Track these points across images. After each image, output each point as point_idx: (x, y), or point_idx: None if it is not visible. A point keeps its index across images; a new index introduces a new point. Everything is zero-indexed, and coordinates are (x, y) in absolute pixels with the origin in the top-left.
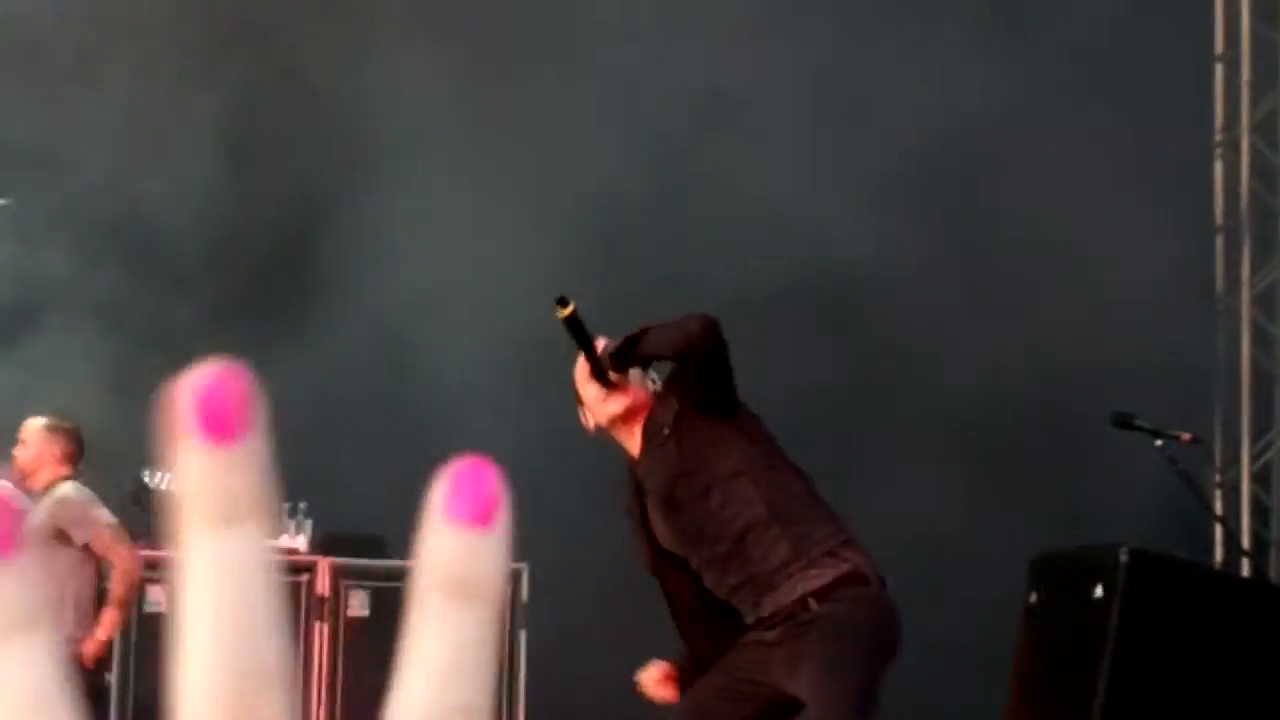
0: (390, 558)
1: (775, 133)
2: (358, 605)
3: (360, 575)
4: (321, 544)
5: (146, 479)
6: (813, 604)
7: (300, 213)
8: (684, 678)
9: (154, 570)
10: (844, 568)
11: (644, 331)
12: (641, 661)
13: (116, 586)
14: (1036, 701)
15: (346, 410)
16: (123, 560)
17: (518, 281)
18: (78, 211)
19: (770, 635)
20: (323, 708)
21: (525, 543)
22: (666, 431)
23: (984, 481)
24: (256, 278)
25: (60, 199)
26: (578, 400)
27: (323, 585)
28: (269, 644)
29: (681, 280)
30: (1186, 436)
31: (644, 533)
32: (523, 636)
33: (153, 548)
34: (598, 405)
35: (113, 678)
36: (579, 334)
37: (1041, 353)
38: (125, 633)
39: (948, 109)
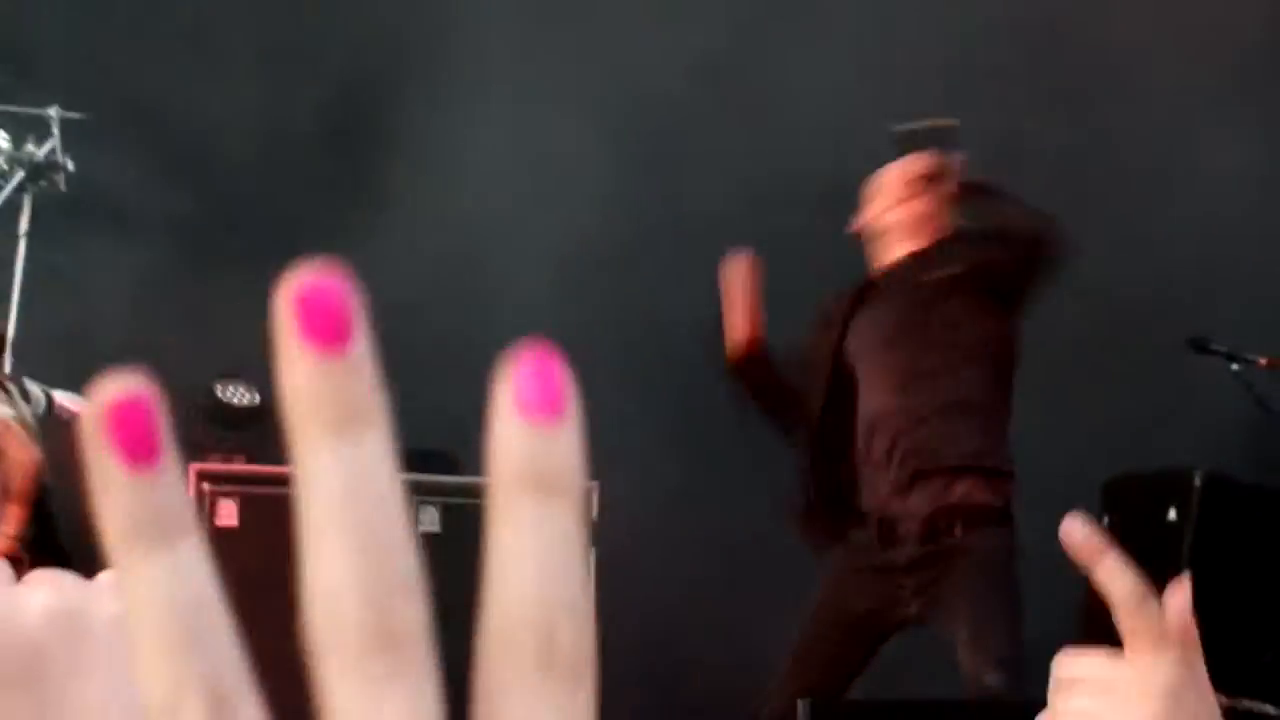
0: (459, 474)
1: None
2: (428, 521)
3: (428, 491)
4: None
5: (218, 392)
6: (958, 531)
7: (355, 126)
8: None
9: (224, 484)
10: (998, 500)
11: (1005, 194)
12: (710, 579)
13: (11, 481)
14: (1108, 626)
15: (408, 325)
16: (13, 451)
17: (578, 194)
18: (133, 122)
19: (901, 558)
20: None
21: (596, 461)
22: (935, 278)
23: (1058, 400)
24: (314, 191)
25: (116, 107)
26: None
27: None
28: (403, 552)
29: (745, 186)
30: (1264, 361)
31: (834, 338)
32: (592, 555)
33: (226, 461)
34: (890, 200)
35: None
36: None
37: (1119, 270)
38: None
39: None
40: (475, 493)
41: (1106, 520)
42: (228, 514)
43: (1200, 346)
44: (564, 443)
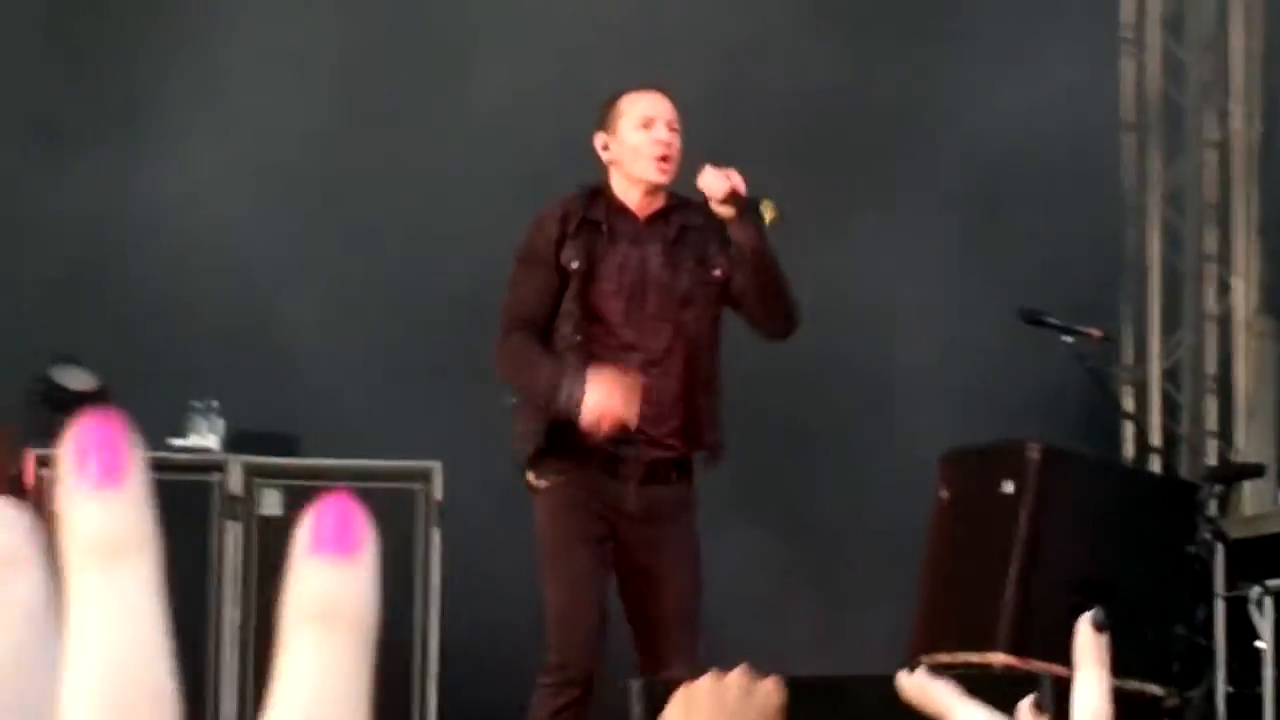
0: (300, 456)
1: None
2: (270, 505)
3: (270, 474)
4: (233, 442)
5: (55, 377)
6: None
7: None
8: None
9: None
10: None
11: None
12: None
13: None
14: (948, 598)
15: (259, 308)
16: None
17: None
18: None
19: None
20: (236, 608)
21: (438, 441)
22: (713, 267)
23: (891, 373)
24: None
25: None
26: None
27: (235, 484)
28: (157, 668)
29: None
30: (1097, 333)
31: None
32: (436, 535)
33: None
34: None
35: None
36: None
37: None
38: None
39: None
40: (318, 475)
41: (944, 494)
42: None
43: (1033, 319)
44: (357, 580)
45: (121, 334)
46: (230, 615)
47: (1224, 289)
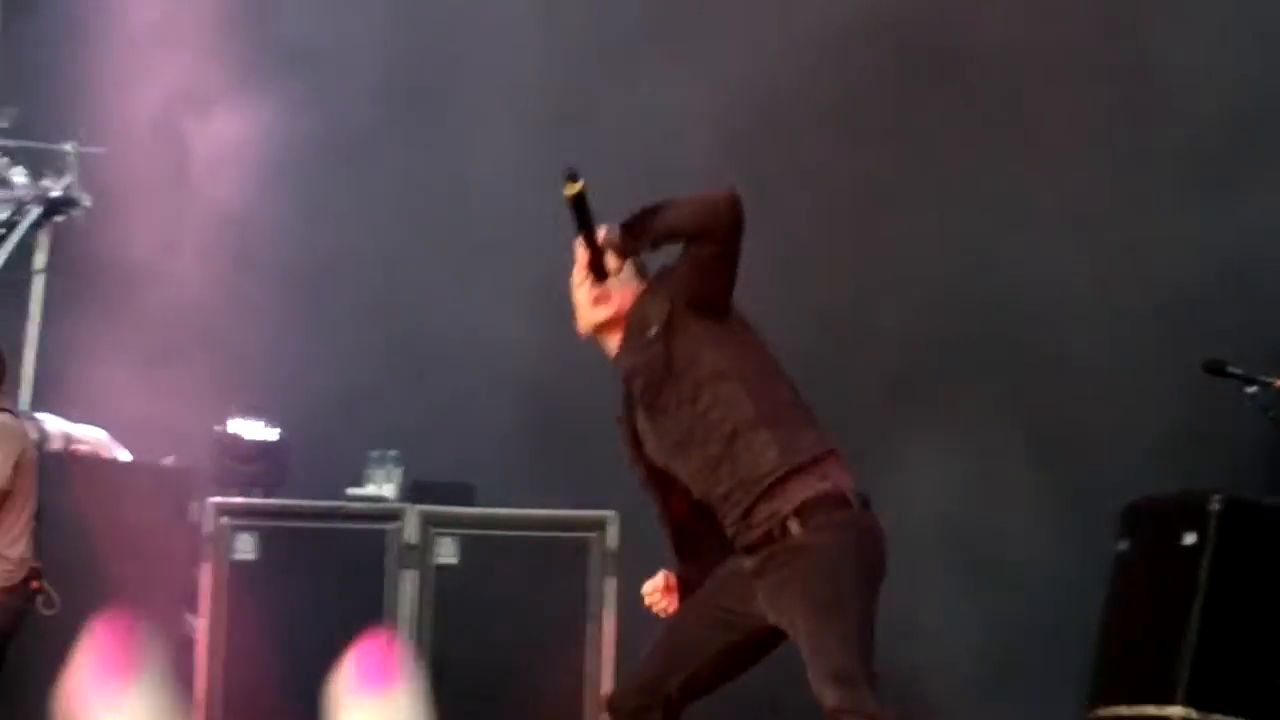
0: (476, 504)
1: None
2: (446, 554)
3: (447, 523)
4: (411, 492)
5: (236, 428)
6: (793, 528)
7: None
8: (684, 591)
9: (242, 518)
10: (825, 485)
11: (660, 206)
12: None
13: None
14: (1128, 650)
15: (431, 358)
16: None
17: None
18: None
19: (750, 564)
20: (407, 654)
21: (614, 492)
22: (655, 331)
23: (1077, 426)
24: None
25: None
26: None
27: (411, 533)
28: None
29: None
30: (1279, 382)
31: (636, 443)
32: (612, 585)
33: (243, 495)
34: (587, 309)
35: (202, 625)
36: (582, 216)
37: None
38: (216, 579)
39: None
40: (493, 524)
41: (1125, 545)
42: (245, 548)
43: (1216, 370)
44: (400, 706)
45: (301, 385)
46: (404, 659)
47: None
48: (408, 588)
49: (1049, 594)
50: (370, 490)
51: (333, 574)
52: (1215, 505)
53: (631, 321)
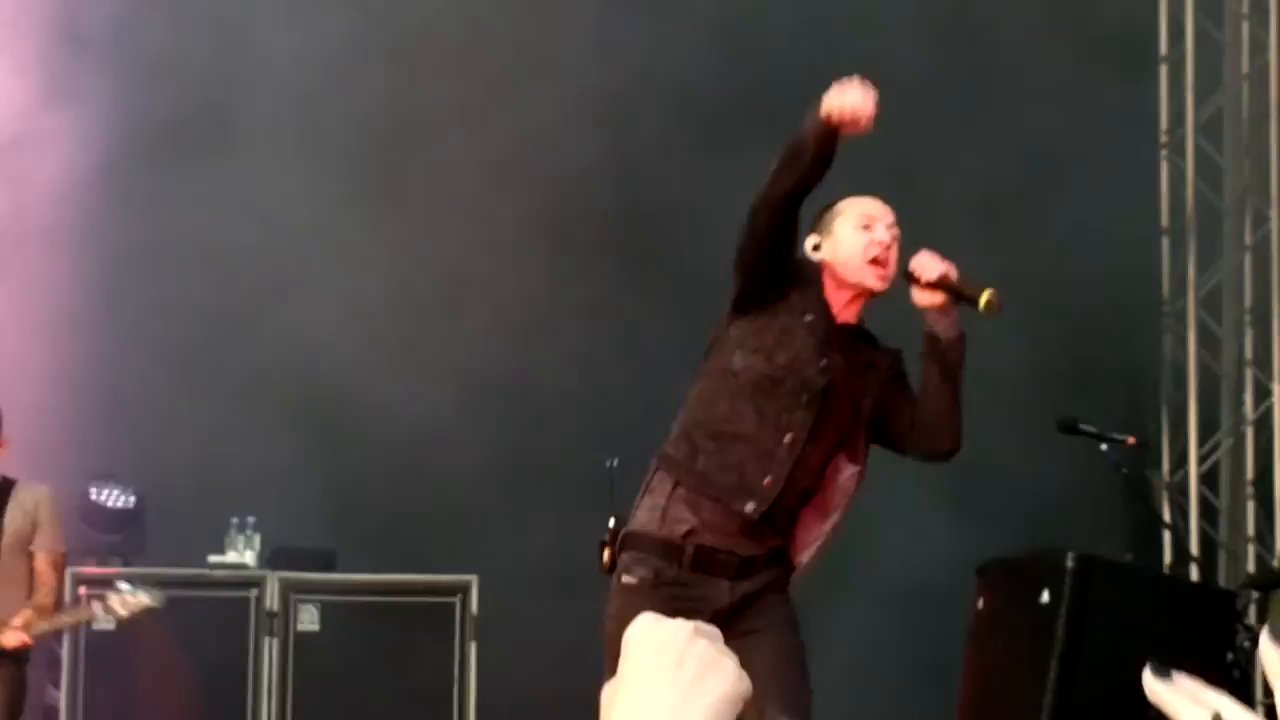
0: (341, 570)
1: None
2: (307, 620)
3: (308, 589)
4: (271, 558)
5: (95, 496)
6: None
7: None
8: None
9: (100, 588)
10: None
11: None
12: (587, 671)
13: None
14: (986, 707)
15: (292, 425)
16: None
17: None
18: None
19: (748, 584)
20: None
21: (474, 556)
22: (870, 367)
23: (931, 486)
24: None
25: None
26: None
27: (271, 600)
28: None
29: None
30: (1131, 440)
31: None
32: (473, 649)
33: (102, 564)
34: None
35: (62, 694)
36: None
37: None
38: (74, 650)
39: None
40: (354, 590)
41: (981, 604)
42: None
43: (1069, 428)
44: None
45: (157, 452)
46: None
47: (1262, 393)
48: (269, 655)
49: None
50: (231, 557)
51: (194, 642)
52: (1069, 563)
53: (863, 352)
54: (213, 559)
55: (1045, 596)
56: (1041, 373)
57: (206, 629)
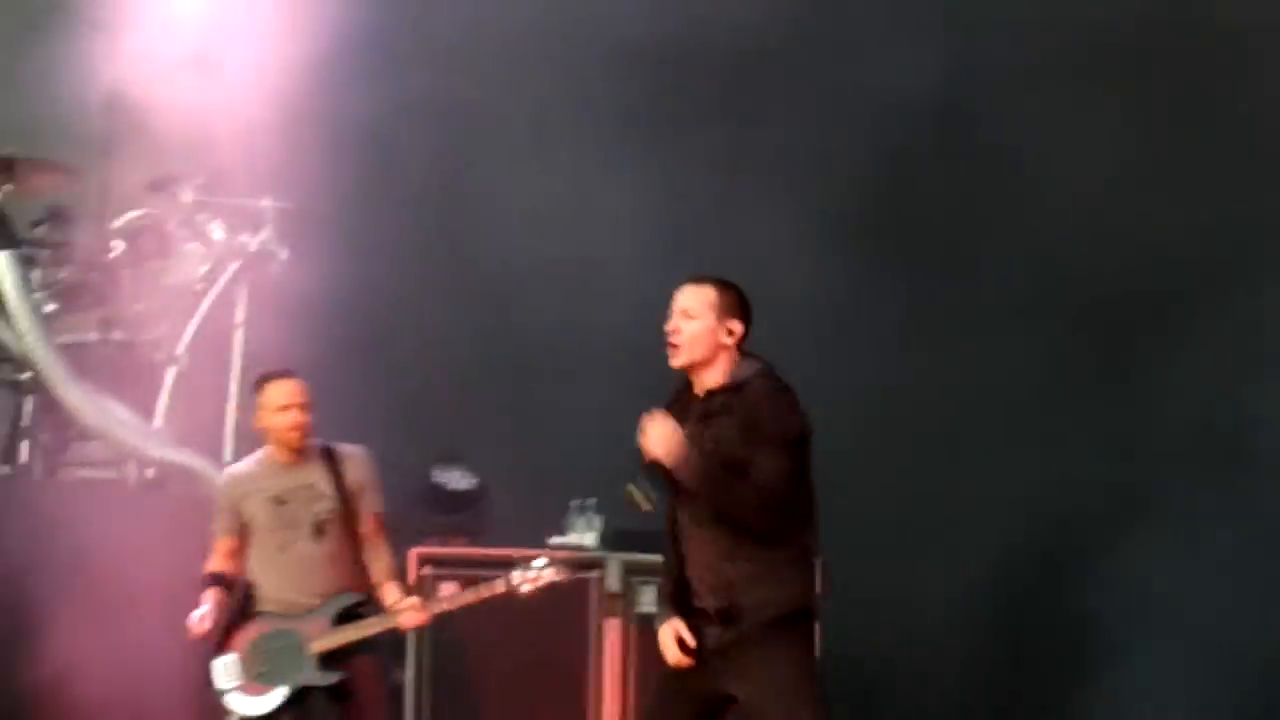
0: None
1: None
2: (649, 602)
3: (651, 571)
4: (611, 540)
5: (437, 478)
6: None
7: None
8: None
9: (445, 567)
10: None
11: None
12: None
13: None
14: None
15: (637, 407)
16: None
17: None
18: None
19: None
20: (616, 703)
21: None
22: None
23: None
24: None
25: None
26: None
27: (613, 581)
28: None
29: None
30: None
31: None
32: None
33: (444, 543)
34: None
35: (408, 672)
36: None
37: None
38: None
39: None
40: None
41: None
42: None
43: None
44: None
45: (499, 435)
46: (610, 710)
47: None
48: (610, 637)
49: None
50: (571, 539)
51: (534, 622)
52: None
53: (730, 418)
54: (553, 540)
55: None
56: None
57: (546, 610)
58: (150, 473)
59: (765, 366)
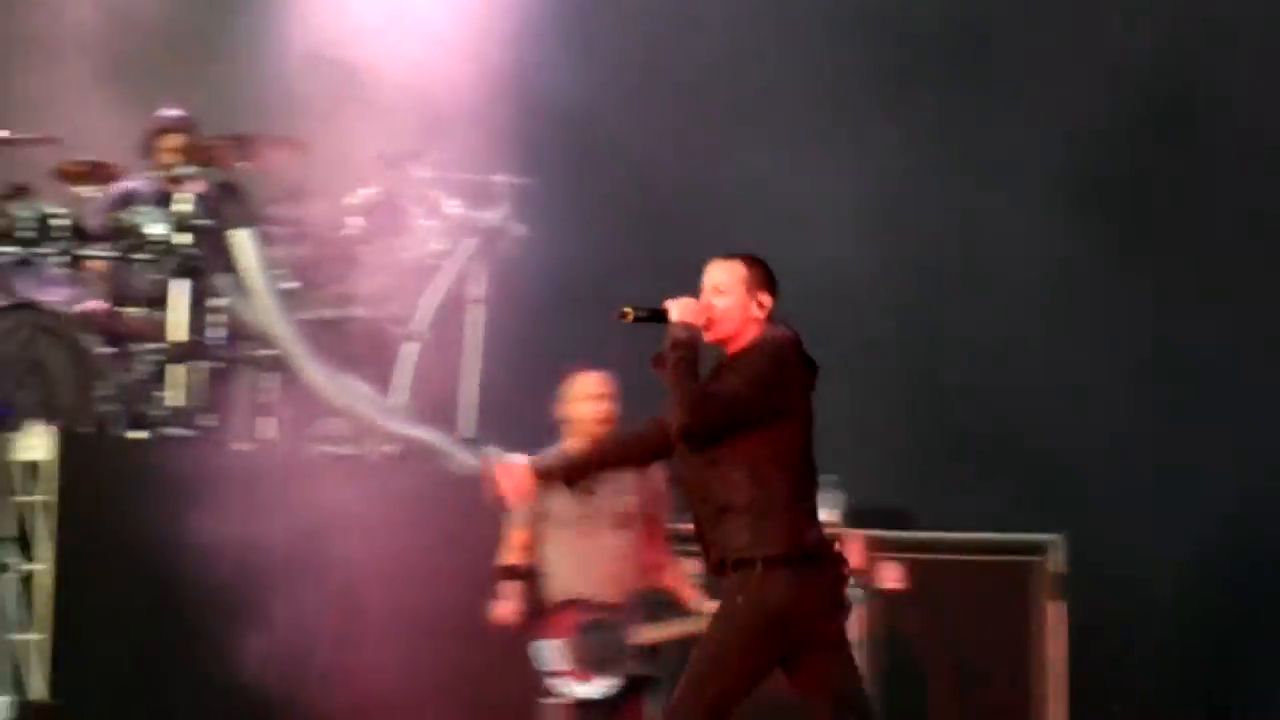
0: (919, 529)
1: None
2: (891, 579)
3: (891, 548)
4: (851, 517)
5: None
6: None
7: None
8: None
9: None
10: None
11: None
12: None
13: None
14: None
15: (881, 390)
16: None
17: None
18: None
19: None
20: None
21: (1061, 515)
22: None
23: None
24: None
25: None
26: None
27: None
28: None
29: None
30: None
31: None
32: (1057, 608)
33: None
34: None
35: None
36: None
37: None
38: None
39: None
40: (934, 548)
41: None
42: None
43: None
44: None
45: None
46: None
47: None
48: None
49: None
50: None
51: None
52: None
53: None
54: None
55: None
56: None
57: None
58: (390, 448)
59: (786, 332)
